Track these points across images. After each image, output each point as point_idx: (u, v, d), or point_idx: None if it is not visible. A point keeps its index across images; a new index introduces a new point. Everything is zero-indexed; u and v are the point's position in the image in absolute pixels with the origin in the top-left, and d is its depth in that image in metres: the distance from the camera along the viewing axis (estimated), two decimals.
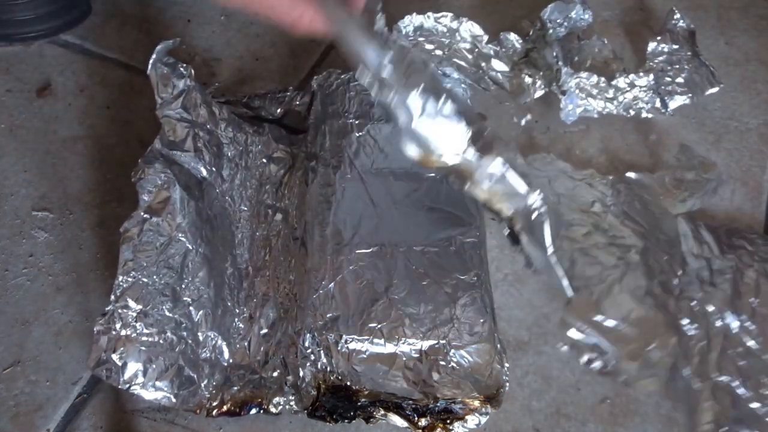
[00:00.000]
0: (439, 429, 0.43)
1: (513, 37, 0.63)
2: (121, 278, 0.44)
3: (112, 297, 0.43)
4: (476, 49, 0.61)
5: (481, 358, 0.44)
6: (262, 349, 0.47)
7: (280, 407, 0.45)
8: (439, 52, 0.60)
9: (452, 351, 0.44)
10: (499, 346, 0.45)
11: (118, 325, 0.43)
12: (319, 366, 0.44)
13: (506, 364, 0.45)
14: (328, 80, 0.59)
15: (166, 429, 0.45)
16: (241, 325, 0.48)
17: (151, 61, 0.50)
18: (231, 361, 0.47)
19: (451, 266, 0.47)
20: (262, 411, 0.45)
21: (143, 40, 0.69)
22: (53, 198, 0.56)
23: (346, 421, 0.44)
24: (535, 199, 0.43)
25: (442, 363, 0.44)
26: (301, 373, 0.44)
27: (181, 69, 0.52)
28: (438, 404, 0.43)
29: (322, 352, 0.44)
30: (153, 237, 0.46)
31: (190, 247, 0.47)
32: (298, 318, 0.47)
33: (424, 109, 0.40)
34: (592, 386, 0.48)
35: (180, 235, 0.46)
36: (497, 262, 0.53)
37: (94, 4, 0.71)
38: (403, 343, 0.44)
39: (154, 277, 0.45)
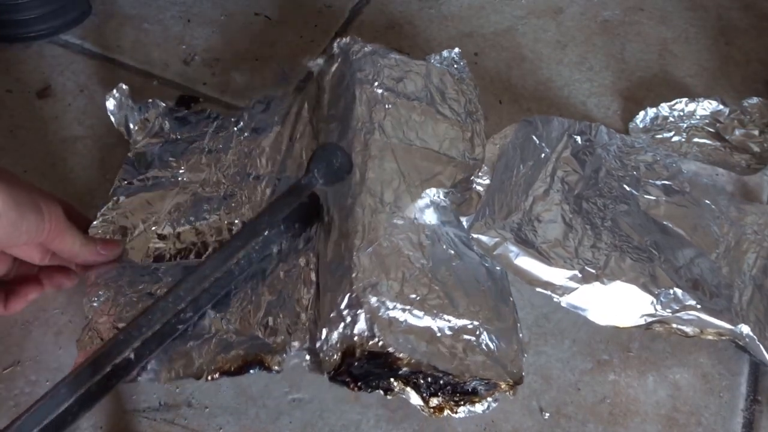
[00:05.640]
0: (447, 410, 0.43)
1: (756, 100, 0.63)
2: (86, 299, 0.46)
3: (86, 316, 0.46)
4: (718, 124, 0.62)
5: (507, 345, 0.44)
6: (266, 317, 0.46)
7: (283, 365, 0.44)
8: (677, 138, 0.61)
9: (484, 333, 0.44)
10: (521, 335, 0.45)
11: (101, 337, 0.44)
12: (356, 330, 0.42)
13: (525, 355, 0.45)
14: (353, 46, 0.57)
15: (166, 429, 0.45)
16: (242, 294, 0.47)
17: (114, 122, 0.57)
18: (232, 328, 0.46)
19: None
20: (263, 369, 0.43)
21: (143, 40, 0.69)
22: None
23: (369, 390, 0.42)
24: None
25: (474, 343, 0.43)
26: (324, 335, 0.43)
27: (149, 104, 0.58)
28: (471, 383, 0.43)
29: (363, 315, 0.42)
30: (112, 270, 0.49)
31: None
32: (323, 281, 0.46)
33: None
34: (592, 386, 0.48)
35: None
36: None
37: (94, 4, 0.72)
38: (440, 319, 0.43)
39: (126, 291, 0.47)
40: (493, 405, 0.43)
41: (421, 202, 0.47)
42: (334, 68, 0.57)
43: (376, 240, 0.45)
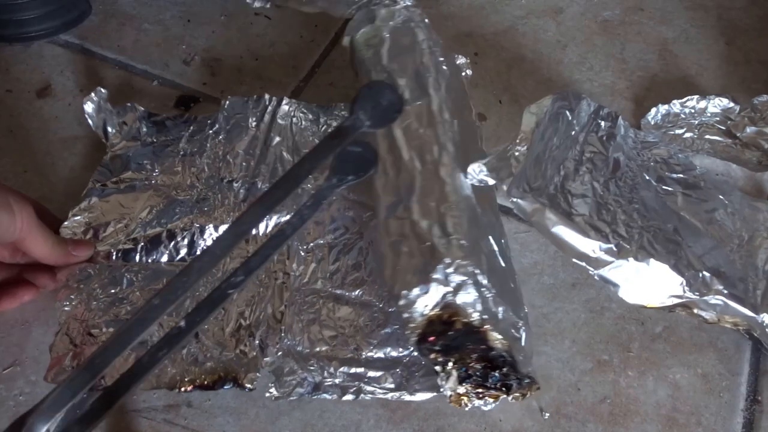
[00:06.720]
0: (464, 400, 0.43)
1: (766, 98, 0.63)
2: (57, 304, 0.47)
3: (58, 321, 0.46)
4: (729, 121, 0.62)
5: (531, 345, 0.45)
6: (239, 330, 0.47)
7: (255, 383, 0.44)
8: (689, 134, 0.62)
9: (523, 329, 0.44)
10: None
11: (74, 342, 0.45)
12: (458, 301, 0.42)
13: None
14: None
15: (166, 429, 0.45)
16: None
17: (92, 125, 0.57)
18: (203, 339, 0.46)
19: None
20: (236, 386, 0.44)
21: (143, 40, 0.69)
22: (53, 198, 0.56)
23: (438, 367, 0.42)
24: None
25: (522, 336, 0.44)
26: (417, 292, 0.42)
27: (127, 108, 0.58)
28: (522, 377, 0.43)
29: (472, 287, 0.42)
30: (85, 271, 0.49)
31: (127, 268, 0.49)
32: (412, 231, 0.45)
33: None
34: (592, 386, 0.48)
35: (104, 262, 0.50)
36: None
37: (94, 4, 0.72)
38: (516, 315, 0.44)
39: (98, 295, 0.47)
40: (495, 406, 0.43)
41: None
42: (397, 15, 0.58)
43: (474, 208, 0.46)
